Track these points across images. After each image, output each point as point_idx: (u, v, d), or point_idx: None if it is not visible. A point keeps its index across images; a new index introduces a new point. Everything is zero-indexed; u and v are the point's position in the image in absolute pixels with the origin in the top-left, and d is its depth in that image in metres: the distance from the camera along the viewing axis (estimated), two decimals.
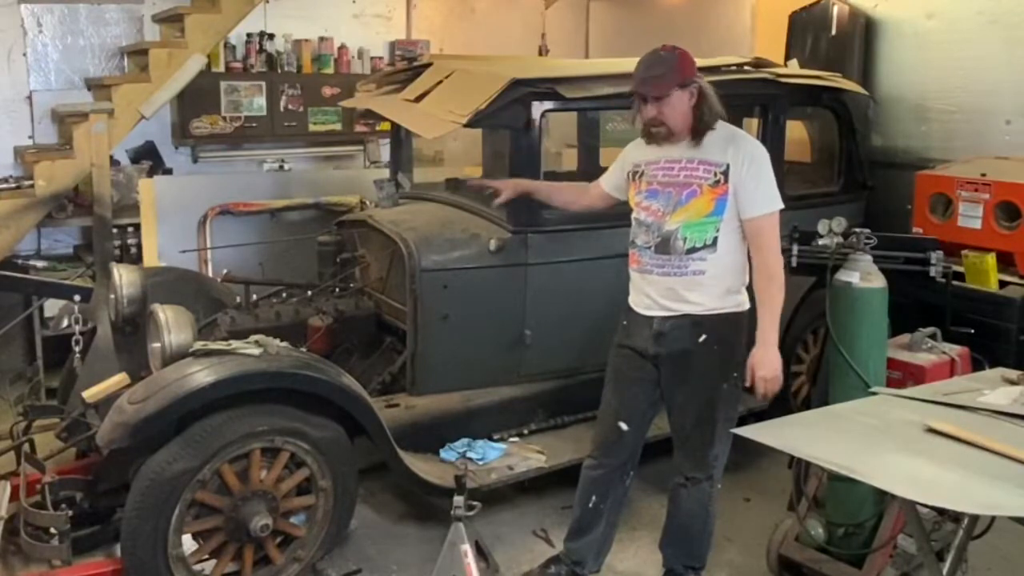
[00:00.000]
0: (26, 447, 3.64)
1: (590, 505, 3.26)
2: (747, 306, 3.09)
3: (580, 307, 4.00)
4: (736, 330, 3.08)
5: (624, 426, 3.19)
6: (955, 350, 3.44)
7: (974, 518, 2.84)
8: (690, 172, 3.00)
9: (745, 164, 2.96)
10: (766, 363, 2.98)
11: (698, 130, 2.99)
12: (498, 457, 3.77)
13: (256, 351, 3.20)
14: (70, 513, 3.24)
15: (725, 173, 2.96)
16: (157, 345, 3.30)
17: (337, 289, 4.25)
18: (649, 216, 3.06)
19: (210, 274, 5.27)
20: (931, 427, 2.40)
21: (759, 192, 2.97)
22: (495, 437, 3.89)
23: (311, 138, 6.83)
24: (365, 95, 4.80)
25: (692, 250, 2.98)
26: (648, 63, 2.99)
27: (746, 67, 4.53)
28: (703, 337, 3.02)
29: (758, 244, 2.99)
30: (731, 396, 3.10)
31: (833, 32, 5.60)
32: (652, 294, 3.06)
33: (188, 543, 3.15)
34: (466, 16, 7.68)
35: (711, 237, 2.98)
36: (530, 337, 3.95)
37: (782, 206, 3.02)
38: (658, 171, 3.06)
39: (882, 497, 3.17)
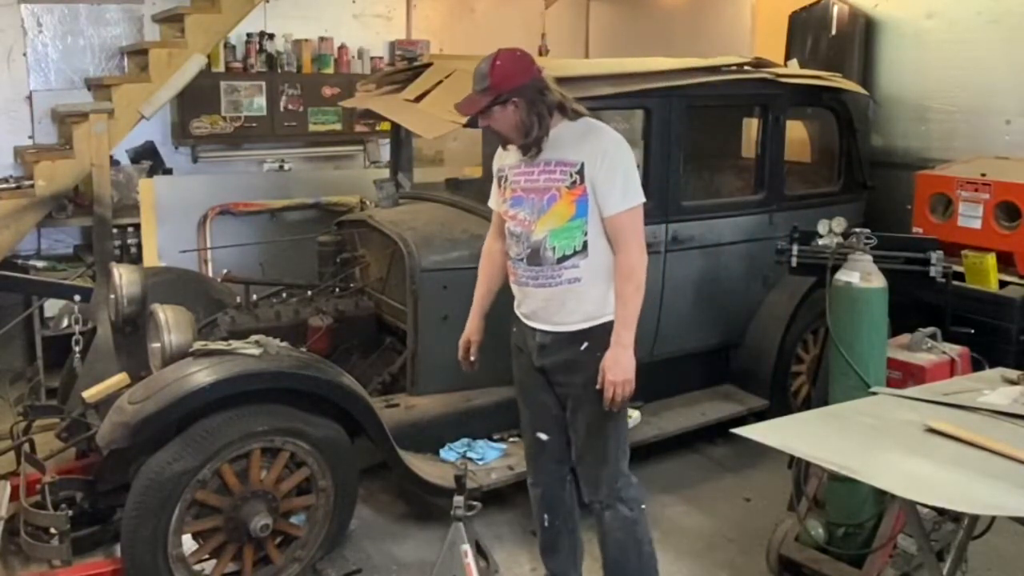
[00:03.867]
0: (26, 447, 3.64)
1: (546, 524, 3.19)
2: None
3: None
4: None
5: (543, 436, 3.08)
6: (955, 350, 3.44)
7: (974, 518, 2.84)
8: (548, 175, 2.84)
9: (599, 159, 2.78)
10: (618, 366, 2.78)
11: (527, 145, 2.82)
12: (498, 457, 3.77)
13: (256, 351, 3.20)
14: (70, 513, 3.24)
15: (580, 172, 2.79)
16: (157, 345, 3.30)
17: (337, 289, 4.26)
18: (517, 226, 2.90)
19: (210, 274, 5.28)
20: (931, 427, 2.40)
21: (615, 187, 2.79)
22: (495, 437, 3.89)
23: (311, 138, 6.83)
24: (365, 95, 4.81)
25: (563, 258, 2.83)
26: (474, 76, 2.83)
27: (746, 67, 4.53)
28: (585, 345, 2.88)
29: (617, 242, 2.82)
30: (621, 409, 2.93)
31: (833, 32, 5.60)
32: (532, 306, 2.94)
33: (188, 543, 3.15)
34: (466, 16, 7.68)
35: (580, 242, 2.82)
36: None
37: (643, 200, 2.84)
38: (520, 176, 2.91)
39: (882, 497, 3.17)
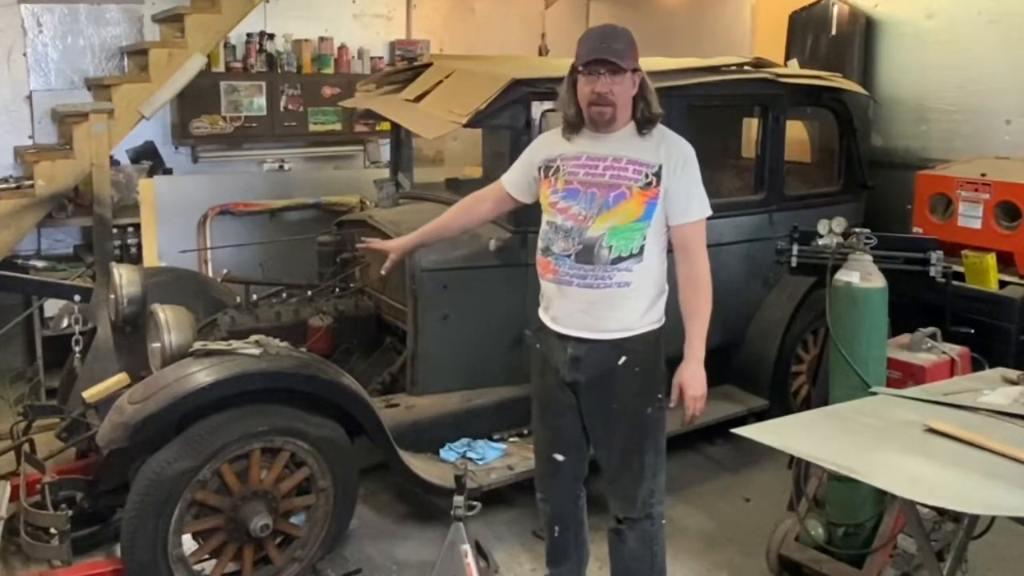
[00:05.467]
0: (26, 447, 3.64)
1: (556, 535, 3.12)
2: (664, 320, 2.86)
3: None
4: (657, 349, 2.84)
5: (560, 457, 2.98)
6: (955, 350, 3.44)
7: (974, 518, 2.84)
8: (617, 172, 2.72)
9: (679, 166, 2.74)
10: (696, 380, 2.75)
11: (646, 120, 2.75)
12: (498, 457, 3.77)
13: (256, 351, 3.20)
14: (70, 513, 3.24)
15: (658, 174, 2.71)
16: (157, 345, 3.30)
17: (337, 289, 4.26)
18: (568, 220, 2.75)
19: (210, 274, 5.28)
20: (931, 427, 2.40)
21: (693, 197, 2.76)
22: (495, 437, 3.89)
23: (311, 138, 6.83)
24: (365, 95, 4.81)
25: (618, 260, 2.71)
26: (605, 34, 2.72)
27: (746, 67, 4.53)
28: (623, 359, 2.77)
29: (687, 253, 2.77)
30: (657, 422, 2.86)
31: (833, 32, 5.60)
32: (570, 309, 2.79)
33: (188, 543, 3.15)
34: (466, 16, 7.68)
35: (638, 245, 2.72)
36: (530, 337, 3.95)
37: (711, 212, 2.83)
38: (578, 168, 2.77)
39: (882, 497, 3.17)
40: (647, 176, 2.73)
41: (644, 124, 2.78)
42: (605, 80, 2.67)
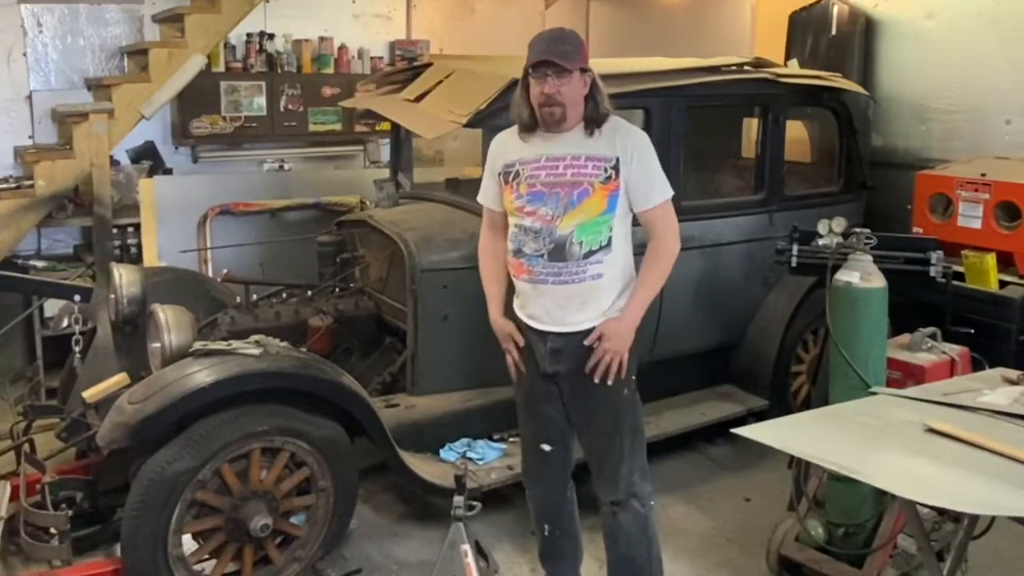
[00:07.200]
0: (26, 447, 3.64)
1: (546, 533, 3.18)
2: None
3: None
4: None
5: (547, 447, 3.05)
6: (955, 350, 3.45)
7: (974, 518, 2.84)
8: (578, 169, 2.80)
9: (636, 156, 2.81)
10: (617, 336, 2.81)
11: (592, 120, 2.80)
12: (498, 457, 3.77)
13: (256, 351, 3.20)
14: (70, 513, 3.24)
15: (616, 168, 2.79)
16: (157, 345, 3.30)
17: (337, 289, 4.26)
18: (536, 221, 2.82)
19: (210, 274, 5.28)
20: (931, 427, 2.40)
21: (655, 183, 2.85)
22: (495, 437, 3.89)
23: (311, 138, 6.83)
24: (365, 95, 4.81)
25: (589, 254, 2.80)
26: (552, 37, 2.79)
27: (746, 67, 4.53)
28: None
29: (656, 232, 2.88)
30: (632, 402, 2.96)
31: (833, 32, 5.60)
32: (547, 306, 2.86)
33: (188, 543, 3.15)
34: (466, 16, 7.69)
35: (606, 238, 2.81)
36: None
37: (673, 192, 2.90)
38: (539, 171, 2.83)
39: (882, 497, 3.17)
40: (606, 171, 2.80)
41: (590, 123, 2.83)
42: (552, 81, 2.74)
